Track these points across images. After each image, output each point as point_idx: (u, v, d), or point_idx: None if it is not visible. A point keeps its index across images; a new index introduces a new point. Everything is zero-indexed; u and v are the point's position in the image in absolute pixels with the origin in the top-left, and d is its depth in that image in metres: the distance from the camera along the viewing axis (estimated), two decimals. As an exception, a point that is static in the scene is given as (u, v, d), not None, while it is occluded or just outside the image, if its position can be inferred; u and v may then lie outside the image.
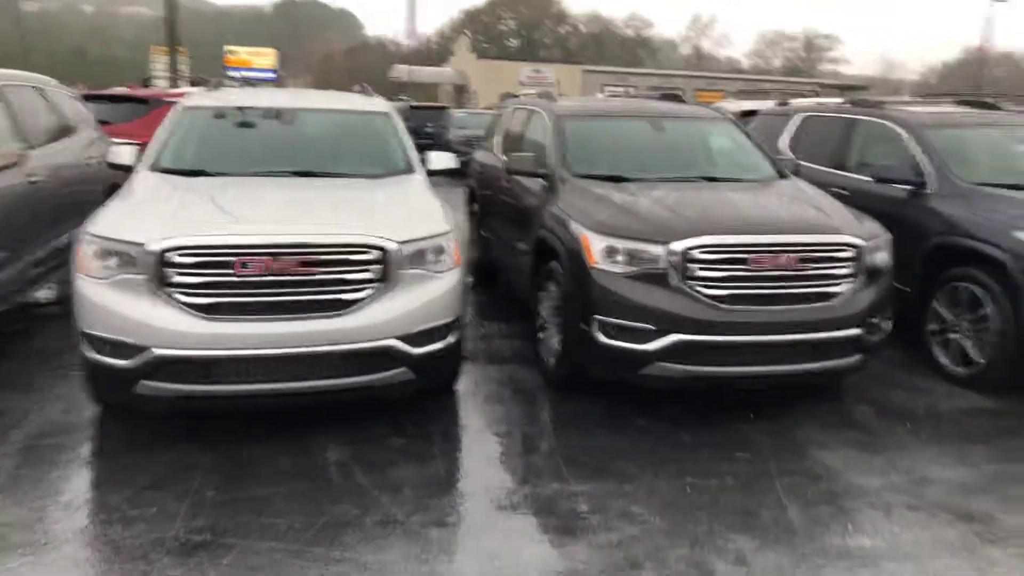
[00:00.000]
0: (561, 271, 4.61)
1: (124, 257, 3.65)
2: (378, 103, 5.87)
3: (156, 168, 4.73)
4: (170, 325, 3.58)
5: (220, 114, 5.25)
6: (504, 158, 6.67)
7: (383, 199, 4.46)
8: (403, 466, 3.80)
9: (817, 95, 11.34)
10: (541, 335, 5.05)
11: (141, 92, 9.41)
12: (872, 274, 4.41)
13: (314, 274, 3.71)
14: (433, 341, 4.00)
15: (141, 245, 3.61)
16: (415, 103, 22.39)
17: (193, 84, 10.79)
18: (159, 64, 27.17)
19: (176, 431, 4.02)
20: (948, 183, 5.35)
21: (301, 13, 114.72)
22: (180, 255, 3.61)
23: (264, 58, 40.25)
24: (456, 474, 3.78)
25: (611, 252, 4.27)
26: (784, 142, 7.28)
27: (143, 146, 5.15)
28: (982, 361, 4.86)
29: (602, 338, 4.25)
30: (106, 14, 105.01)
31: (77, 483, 3.56)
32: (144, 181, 4.51)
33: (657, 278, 4.17)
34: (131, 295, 3.63)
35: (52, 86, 6.58)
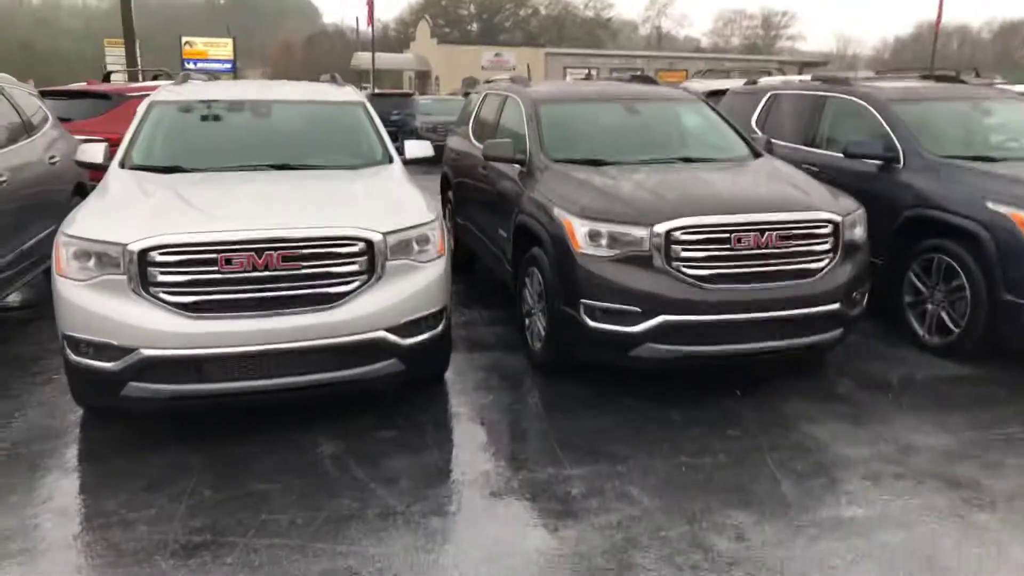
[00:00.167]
0: (545, 256, 4.62)
1: (105, 258, 3.58)
2: (351, 93, 5.80)
3: (130, 166, 4.63)
4: (156, 325, 3.52)
5: (192, 108, 5.16)
6: (477, 144, 6.66)
7: (364, 190, 4.42)
8: (397, 457, 3.79)
9: (783, 73, 11.45)
10: (527, 320, 5.07)
11: (102, 87, 9.18)
12: (850, 249, 4.49)
13: (299, 268, 3.68)
14: (421, 331, 4.00)
15: (122, 245, 3.54)
16: (379, 91, 22.19)
17: (155, 78, 10.53)
18: (111, 57, 26.54)
19: (163, 432, 3.98)
20: (917, 157, 5.45)
21: (256, 2, 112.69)
22: (162, 254, 3.55)
23: (221, 48, 39.46)
24: (451, 463, 3.79)
25: (595, 236, 4.29)
26: (753, 120, 7.35)
27: (113, 143, 5.04)
28: (957, 330, 4.98)
29: (589, 321, 4.28)
30: (52, 5, 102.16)
31: (69, 489, 3.50)
32: (119, 179, 4.41)
33: (641, 260, 4.21)
34: (114, 296, 3.57)
35: (9, 83, 6.40)
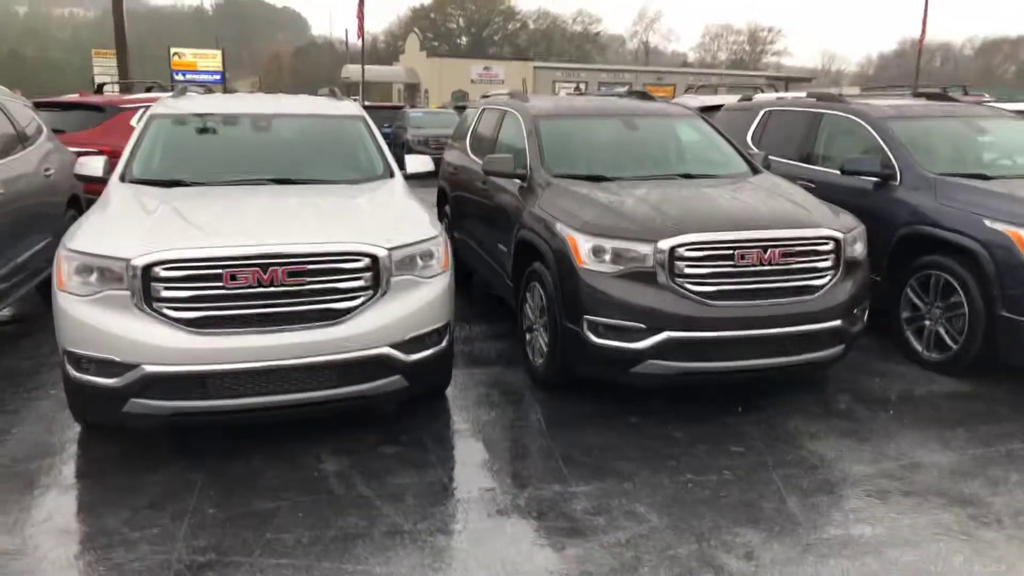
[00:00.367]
0: (547, 272, 4.62)
1: (107, 273, 3.54)
2: (350, 106, 5.80)
3: (130, 179, 4.60)
4: (159, 341, 3.48)
5: (192, 122, 5.14)
6: (475, 158, 6.67)
7: (367, 205, 4.41)
8: (402, 474, 3.76)
9: (776, 89, 11.55)
10: (527, 336, 5.06)
11: (96, 99, 9.13)
12: (851, 266, 4.52)
13: (304, 284, 3.65)
14: (425, 347, 3.98)
15: (126, 260, 3.50)
16: (369, 103, 22.19)
17: (148, 90, 10.49)
18: (99, 67, 26.39)
19: (163, 448, 3.93)
20: (914, 174, 5.50)
21: (244, 13, 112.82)
22: (166, 269, 3.52)
23: (210, 60, 39.39)
24: (456, 480, 3.76)
25: (598, 252, 4.30)
26: (748, 137, 7.39)
27: (107, 155, 5.00)
28: (955, 346, 5.01)
29: (592, 337, 4.27)
30: (39, 15, 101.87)
31: (69, 507, 3.45)
32: (120, 193, 4.37)
33: (645, 276, 4.21)
34: (116, 312, 3.53)
35: (2, 93, 6.35)
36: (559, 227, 4.55)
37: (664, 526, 3.34)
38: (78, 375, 3.58)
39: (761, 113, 7.47)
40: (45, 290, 6.18)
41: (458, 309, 6.47)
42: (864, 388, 4.91)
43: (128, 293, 3.52)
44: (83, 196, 6.90)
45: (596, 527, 3.32)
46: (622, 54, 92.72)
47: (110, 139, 8.07)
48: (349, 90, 47.20)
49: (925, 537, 3.27)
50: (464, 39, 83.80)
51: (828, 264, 4.38)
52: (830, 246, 4.39)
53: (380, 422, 4.28)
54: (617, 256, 4.25)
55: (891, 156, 5.68)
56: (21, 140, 6.14)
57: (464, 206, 6.78)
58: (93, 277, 3.56)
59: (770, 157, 6.53)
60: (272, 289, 3.59)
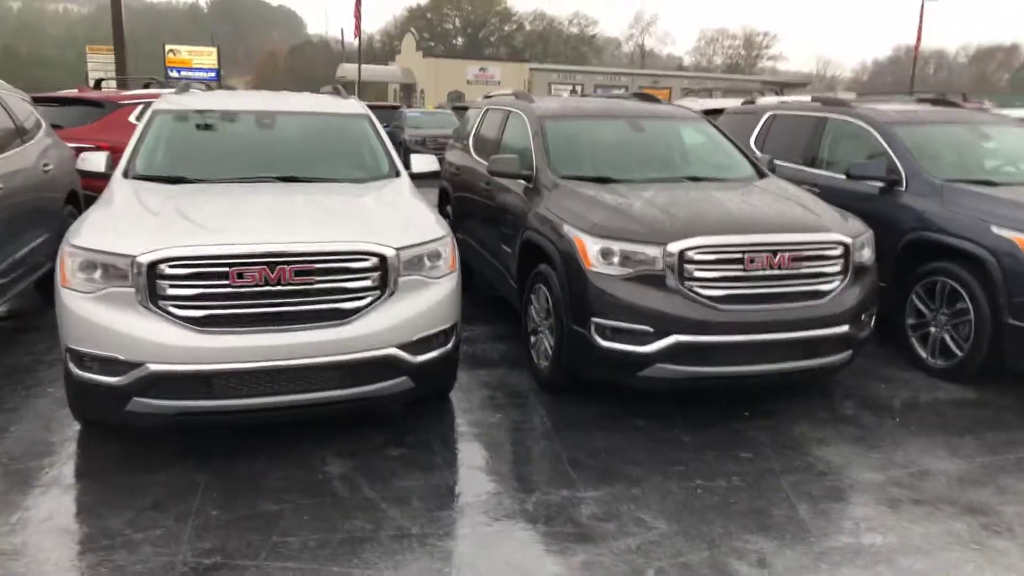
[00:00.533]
0: (553, 273, 4.59)
1: (112, 269, 3.49)
2: (355, 105, 5.75)
3: (133, 175, 4.54)
4: (164, 339, 3.43)
5: (196, 119, 5.08)
6: (479, 159, 6.63)
7: (374, 204, 4.37)
8: (407, 477, 3.72)
9: (777, 93, 11.56)
10: (532, 338, 5.02)
11: (95, 94, 9.05)
12: (859, 271, 4.50)
13: (312, 283, 3.61)
14: (432, 348, 3.94)
15: (131, 257, 3.45)
16: (367, 103, 22.11)
17: (146, 86, 10.41)
18: (94, 63, 26.24)
19: (165, 448, 3.88)
20: (920, 180, 5.49)
21: (239, 10, 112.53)
22: (172, 266, 3.47)
23: (205, 57, 39.24)
24: (463, 483, 3.71)
25: (607, 254, 4.26)
26: (752, 140, 7.38)
27: (105, 151, 4.94)
28: (961, 353, 4.99)
29: (600, 340, 4.24)
30: (32, 10, 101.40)
31: (70, 507, 3.39)
32: (123, 189, 4.32)
33: (654, 279, 4.18)
34: (120, 309, 3.47)
35: (3, 88, 6.27)
36: (566, 228, 4.51)
37: (674, 532, 3.30)
38: (80, 373, 3.53)
39: (765, 117, 7.45)
40: (43, 286, 6.14)
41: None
42: (870, 394, 4.89)
43: (133, 290, 3.46)
44: (81, 192, 6.84)
45: (606, 533, 3.29)
46: (618, 57, 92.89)
47: (108, 135, 8.00)
48: (345, 89, 47.10)
49: (937, 546, 3.25)
50: (460, 40, 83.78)
51: (837, 269, 4.36)
52: (839, 251, 4.37)
53: (385, 423, 4.24)
54: (626, 259, 4.22)
55: (897, 161, 5.66)
56: (20, 135, 6.06)
57: (467, 207, 6.74)
58: (97, 274, 3.51)
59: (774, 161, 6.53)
60: (279, 288, 3.54)
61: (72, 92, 9.36)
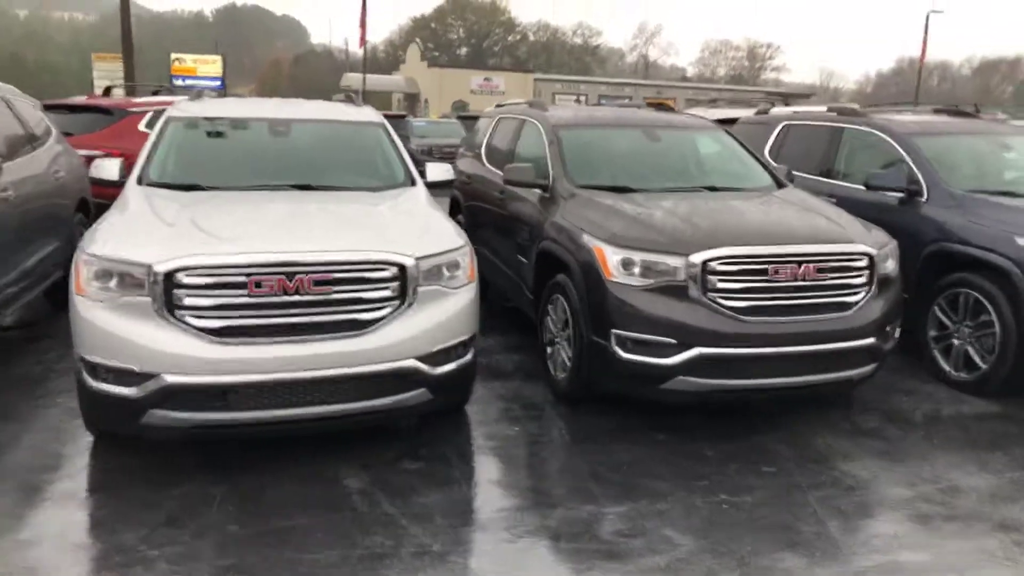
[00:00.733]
0: (572, 284, 4.52)
1: (128, 278, 3.43)
2: (370, 113, 5.70)
3: (147, 182, 4.49)
4: (181, 350, 3.36)
5: (210, 126, 5.03)
6: (492, 168, 6.58)
7: (391, 213, 4.31)
8: (426, 492, 3.64)
9: (787, 103, 11.49)
10: (548, 349, 4.95)
11: (104, 102, 9.02)
12: (884, 283, 4.43)
13: (330, 293, 3.54)
14: (450, 360, 3.87)
15: (147, 265, 3.39)
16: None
17: (155, 93, 10.39)
18: (100, 71, 26.29)
19: (179, 461, 3.80)
20: (941, 191, 5.42)
21: (244, 19, 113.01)
22: (190, 275, 3.40)
23: (210, 65, 39.36)
24: (482, 498, 3.64)
25: (628, 264, 4.19)
26: (766, 150, 7.31)
27: (115, 158, 4.89)
28: (985, 366, 4.91)
29: (620, 352, 4.16)
30: (39, 18, 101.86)
31: (84, 522, 3.31)
32: (138, 197, 4.26)
33: (676, 290, 4.11)
34: (136, 319, 3.41)
35: (15, 95, 6.23)
36: (585, 238, 4.45)
37: (702, 549, 3.22)
38: (95, 384, 3.46)
39: (779, 127, 7.39)
40: (52, 295, 6.08)
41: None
42: (892, 407, 4.81)
43: (149, 300, 3.40)
44: (92, 200, 6.79)
45: (632, 550, 3.21)
46: (621, 67, 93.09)
47: (118, 142, 7.97)
48: (333, 96, 47.15)
49: (971, 563, 3.17)
50: (464, 50, 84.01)
51: (862, 281, 4.29)
52: (864, 262, 4.30)
53: (400, 436, 4.16)
54: (647, 269, 4.15)
55: (917, 172, 5.60)
56: (31, 141, 6.02)
57: (480, 216, 6.68)
58: (113, 282, 3.44)
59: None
60: (297, 298, 3.48)
61: (82, 99, 9.33)
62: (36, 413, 4.36)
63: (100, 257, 3.48)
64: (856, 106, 8.07)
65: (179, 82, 32.31)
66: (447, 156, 17.92)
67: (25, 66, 61.74)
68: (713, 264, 4.07)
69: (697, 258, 4.07)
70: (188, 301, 3.40)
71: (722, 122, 8.43)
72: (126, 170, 4.70)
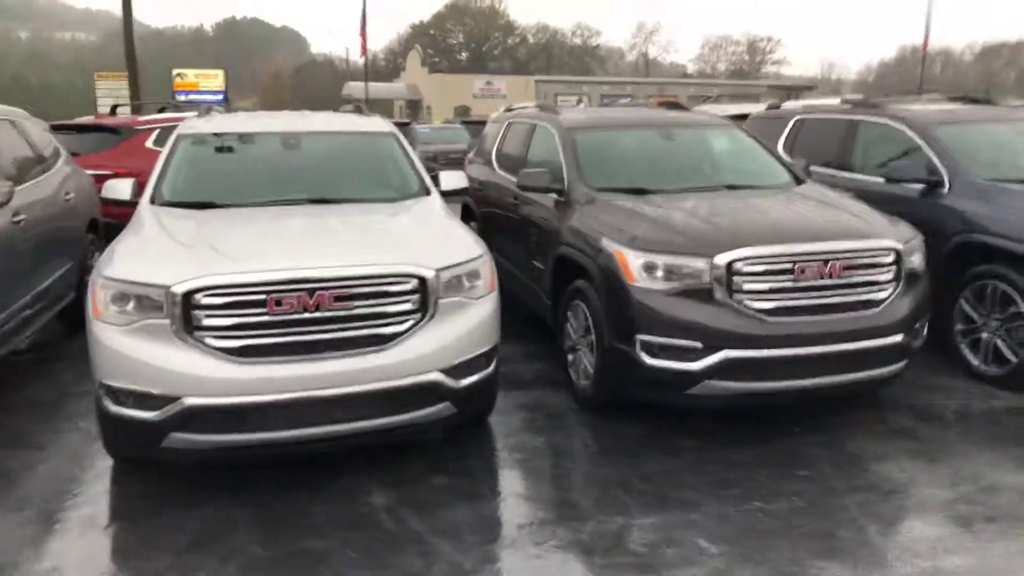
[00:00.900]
0: (592, 290, 4.44)
1: (146, 301, 3.37)
2: (380, 123, 5.64)
3: (160, 202, 4.43)
4: (201, 372, 3.30)
5: (221, 142, 4.98)
6: (503, 174, 6.52)
7: (409, 224, 4.24)
8: (455, 508, 3.57)
9: (797, 97, 11.41)
10: (570, 356, 4.87)
11: (111, 121, 9.00)
12: (911, 278, 4.34)
13: (352, 309, 3.48)
14: (473, 372, 3.80)
15: (165, 287, 3.33)
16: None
17: (161, 110, 10.37)
18: (103, 90, 26.36)
19: (201, 483, 3.74)
20: (964, 181, 5.32)
21: (243, 32, 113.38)
22: (208, 296, 3.34)
23: (212, 80, 39.45)
24: (512, 513, 3.56)
25: (650, 268, 4.11)
26: (779, 146, 7.22)
27: (123, 178, 4.84)
28: (1015, 359, 4.81)
29: (645, 358, 4.09)
30: (42, 39, 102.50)
31: (107, 549, 3.25)
32: (152, 216, 4.20)
33: (701, 293, 4.03)
34: (155, 341, 3.35)
35: (24, 118, 6.20)
36: (605, 243, 4.37)
37: (739, 560, 3.14)
38: (115, 408, 3.40)
39: (792, 121, 7.30)
40: (65, 317, 6.04)
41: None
42: (922, 404, 4.71)
43: (167, 322, 3.34)
44: (102, 220, 6.76)
45: (668, 562, 3.13)
46: (621, 66, 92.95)
47: (126, 161, 7.94)
48: (341, 107, 47.18)
49: (1019, 567, 3.08)
50: (464, 54, 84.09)
51: (889, 277, 4.20)
52: (891, 258, 4.21)
53: (424, 451, 4.08)
54: (670, 272, 4.07)
55: (938, 162, 5.50)
56: (41, 164, 5.98)
57: (493, 222, 6.61)
58: (130, 305, 3.39)
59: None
60: (318, 315, 3.42)
61: (89, 119, 9.31)
62: (53, 438, 4.31)
63: (117, 280, 3.42)
64: (861, 96, 7.99)
65: (182, 97, 32.39)
66: (453, 162, 17.87)
67: (29, 87, 62.03)
68: (738, 265, 3.99)
69: (722, 259, 3.98)
70: (207, 322, 3.34)
71: (733, 118, 8.38)
72: (138, 190, 4.65)
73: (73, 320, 6.12)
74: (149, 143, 8.35)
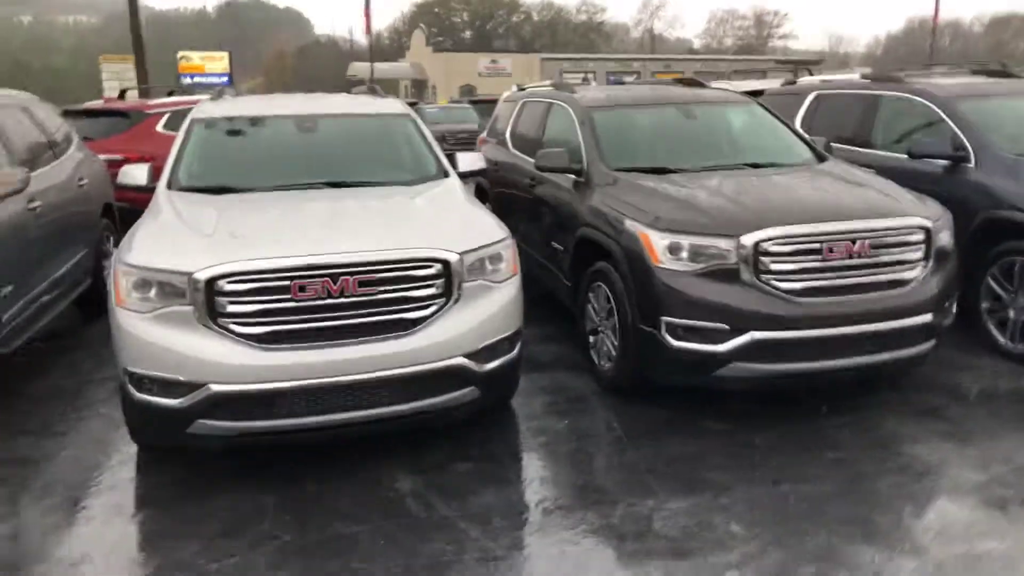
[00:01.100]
0: (615, 271, 4.39)
1: (168, 288, 3.33)
2: (396, 104, 5.57)
3: (177, 187, 4.38)
4: (226, 359, 3.27)
5: (235, 126, 4.92)
6: (519, 154, 6.45)
7: (430, 207, 4.18)
8: (482, 493, 3.54)
9: (811, 73, 11.24)
10: (591, 339, 4.82)
11: (121, 105, 8.93)
12: (940, 256, 4.26)
13: (376, 294, 3.43)
14: (497, 356, 3.76)
15: (188, 274, 3.29)
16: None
17: (169, 94, 10.29)
18: (108, 74, 26.25)
19: (226, 469, 3.72)
20: (990, 156, 5.23)
21: (246, 14, 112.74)
22: (231, 282, 3.30)
23: (217, 62, 39.24)
24: (540, 498, 3.53)
25: (675, 249, 4.05)
26: (797, 122, 7.12)
27: (133, 162, 4.80)
28: (1045, 338, 4.75)
29: (671, 340, 4.04)
30: (44, 23, 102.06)
31: (136, 538, 3.24)
32: (170, 202, 4.15)
33: (727, 274, 3.97)
34: (179, 328, 3.31)
35: (36, 103, 6.14)
36: (628, 224, 4.31)
37: (774, 544, 3.10)
38: (140, 396, 3.38)
39: (810, 97, 7.18)
40: (81, 304, 6.01)
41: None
42: (949, 384, 4.65)
43: (191, 308, 3.30)
44: (116, 205, 6.72)
45: (701, 547, 3.09)
46: (627, 43, 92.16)
47: (136, 145, 7.90)
48: (351, 89, 46.94)
49: (1058, 549, 3.03)
50: (468, 33, 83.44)
51: (919, 255, 4.13)
52: (921, 236, 4.14)
53: (447, 435, 4.04)
54: (696, 253, 4.01)
55: (964, 137, 5.40)
56: (54, 150, 5.93)
57: (508, 203, 6.55)
58: (153, 292, 3.35)
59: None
60: (342, 300, 3.37)
61: (98, 104, 9.24)
62: (76, 425, 4.30)
63: (138, 267, 3.38)
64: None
65: (187, 80, 32.25)
66: (462, 142, 17.77)
67: (31, 72, 61.82)
68: (765, 245, 3.92)
69: (748, 239, 3.92)
70: (231, 308, 3.30)
71: (749, 95, 8.25)
72: (154, 175, 4.59)
73: (90, 306, 6.12)
74: (160, 127, 8.30)
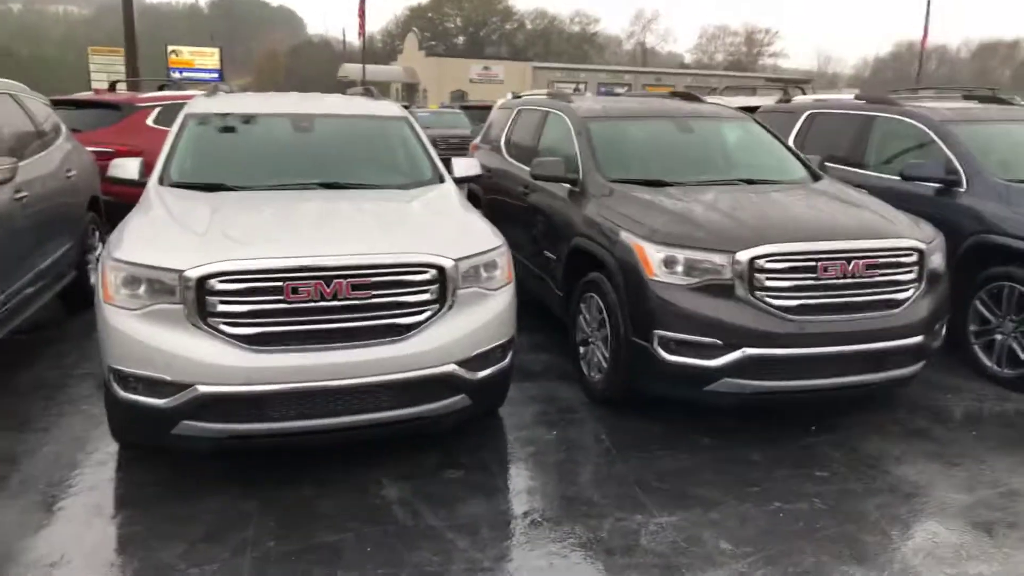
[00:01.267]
0: (609, 283, 4.37)
1: (158, 285, 3.27)
2: (392, 107, 5.53)
3: (170, 183, 4.32)
4: (215, 359, 3.21)
5: (230, 123, 4.86)
6: (514, 162, 6.43)
7: (425, 212, 4.15)
8: (470, 502, 3.50)
9: (803, 92, 11.33)
10: (582, 349, 4.80)
11: (112, 97, 8.83)
12: (932, 278, 4.28)
13: (369, 298, 3.39)
14: (489, 364, 3.73)
15: (178, 271, 3.23)
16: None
17: (161, 88, 10.19)
18: (97, 65, 25.99)
19: (211, 474, 3.65)
20: (982, 180, 5.27)
21: (239, 10, 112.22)
22: (223, 281, 3.25)
23: (207, 58, 38.99)
24: (529, 509, 3.49)
25: (670, 263, 4.04)
26: (790, 140, 7.15)
27: (122, 155, 4.74)
28: (1031, 362, 4.78)
29: (663, 354, 4.02)
30: (33, 12, 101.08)
31: (117, 539, 3.17)
32: (161, 198, 4.09)
33: (722, 289, 3.96)
34: (167, 327, 3.26)
35: (24, 91, 6.05)
36: (624, 235, 4.30)
37: (763, 562, 3.09)
38: (125, 395, 3.31)
39: (804, 116, 7.22)
40: (65, 297, 5.93)
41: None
42: (937, 405, 4.67)
43: (180, 307, 3.25)
44: (102, 198, 6.63)
45: (691, 564, 3.07)
46: (619, 55, 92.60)
47: (126, 138, 7.81)
48: (345, 90, 46.81)
49: (1045, 575, 3.04)
50: (461, 39, 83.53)
51: (912, 277, 4.15)
52: (914, 258, 4.15)
53: (435, 442, 4.00)
54: (691, 267, 4.00)
55: (956, 161, 5.44)
56: (42, 139, 5.85)
57: (501, 211, 6.51)
58: (142, 289, 3.29)
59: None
60: (335, 303, 3.33)
61: (89, 95, 9.14)
62: (58, 422, 4.22)
63: (128, 263, 3.32)
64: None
65: (176, 75, 32.01)
66: (453, 148, 17.72)
67: (20, 61, 61.14)
68: (760, 262, 3.92)
69: (744, 256, 3.92)
70: (222, 308, 3.25)
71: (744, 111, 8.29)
72: (145, 169, 4.53)
73: (74, 300, 6.04)
74: (150, 121, 8.20)
